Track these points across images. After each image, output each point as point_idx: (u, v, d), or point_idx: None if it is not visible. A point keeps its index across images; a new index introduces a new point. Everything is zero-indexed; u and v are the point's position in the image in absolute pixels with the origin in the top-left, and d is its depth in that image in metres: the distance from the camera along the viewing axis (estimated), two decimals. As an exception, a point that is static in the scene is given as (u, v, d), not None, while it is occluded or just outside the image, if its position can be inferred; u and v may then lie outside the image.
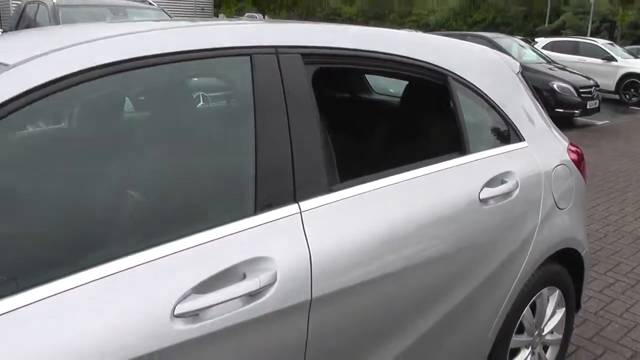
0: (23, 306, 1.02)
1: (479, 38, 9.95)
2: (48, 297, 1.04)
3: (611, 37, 24.12)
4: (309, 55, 1.49)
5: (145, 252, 1.16)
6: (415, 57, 1.80)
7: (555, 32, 29.11)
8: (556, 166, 2.20)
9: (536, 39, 15.32)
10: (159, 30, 1.35)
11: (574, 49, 14.22)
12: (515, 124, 2.12)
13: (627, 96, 13.76)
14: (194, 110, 1.54)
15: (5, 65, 1.16)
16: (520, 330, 2.18)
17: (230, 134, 1.39)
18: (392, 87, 3.16)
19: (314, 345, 1.37)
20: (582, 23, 29.53)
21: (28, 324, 1.01)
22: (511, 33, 21.19)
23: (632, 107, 13.18)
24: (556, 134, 2.37)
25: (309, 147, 1.41)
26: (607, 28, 27.99)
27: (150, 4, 7.35)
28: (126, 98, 1.44)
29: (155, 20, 1.53)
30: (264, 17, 42.99)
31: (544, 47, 13.76)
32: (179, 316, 1.14)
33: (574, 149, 2.40)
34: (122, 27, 1.39)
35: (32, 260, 1.10)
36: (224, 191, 1.36)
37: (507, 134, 2.09)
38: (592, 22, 27.05)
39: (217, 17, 40.93)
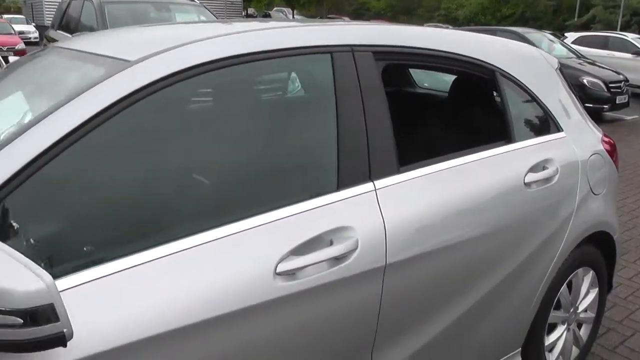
0: (162, 257, 1.25)
1: (509, 33, 10.03)
2: (177, 252, 1.28)
3: (641, 32, 23.79)
4: (379, 53, 1.71)
5: (252, 219, 1.38)
6: (468, 55, 2.00)
7: (585, 27, 28.76)
8: (591, 155, 2.39)
9: (566, 34, 15.27)
10: (263, 30, 1.59)
11: (604, 44, 14.14)
12: (555, 116, 2.31)
13: (657, 91, 13.66)
14: (288, 99, 1.77)
15: (127, 61, 1.39)
16: (558, 307, 2.37)
17: (317, 121, 1.62)
18: (426, 82, 3.37)
19: (387, 305, 1.59)
20: (612, 17, 29.12)
21: (169, 272, 1.25)
22: (540, 27, 21.05)
23: (663, 103, 13.10)
24: (591, 125, 2.55)
25: (381, 133, 1.63)
26: (637, 22, 27.58)
27: (193, 1, 7.60)
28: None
29: (244, 22, 1.74)
30: (292, 12, 43.20)
31: (574, 42, 13.72)
32: (279, 274, 1.37)
33: (607, 139, 2.58)
34: (219, 27, 1.62)
35: (165, 221, 1.34)
36: (313, 170, 1.59)
37: (547, 124, 2.28)
38: (622, 16, 26.67)
39: (247, 11, 41.24)
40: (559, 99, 2.37)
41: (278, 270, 1.37)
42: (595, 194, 2.36)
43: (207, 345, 1.26)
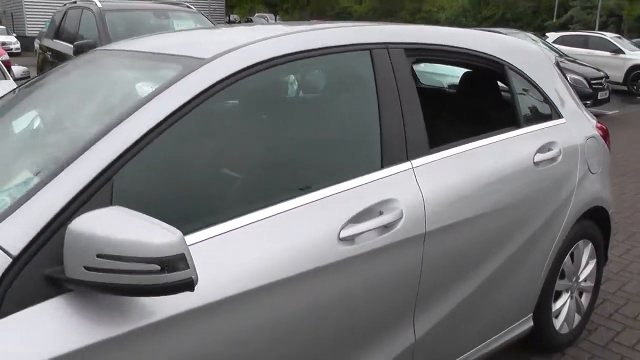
0: (254, 222, 1.48)
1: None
2: (265, 218, 1.50)
3: (618, 31, 24.45)
4: (410, 49, 1.96)
5: (320, 191, 1.62)
6: (481, 51, 2.27)
7: (563, 27, 29.42)
8: (588, 139, 2.66)
9: (547, 34, 15.71)
10: (315, 30, 1.84)
11: (584, 43, 14.61)
12: (556, 105, 2.58)
13: (635, 87, 14.16)
14: (337, 90, 2.01)
15: (203, 59, 1.61)
16: (562, 276, 2.63)
17: (364, 110, 1.87)
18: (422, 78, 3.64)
19: (426, 269, 1.84)
20: (590, 17, 29.86)
21: (262, 234, 1.47)
22: (521, 28, 21.52)
23: (641, 98, 13.59)
24: (586, 114, 2.82)
25: (414, 119, 1.88)
26: (613, 22, 28.32)
27: (188, 7, 7.78)
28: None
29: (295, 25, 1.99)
30: (275, 18, 43.42)
31: (555, 42, 14.14)
32: (342, 239, 1.60)
33: (599, 125, 2.86)
34: (274, 29, 1.86)
35: (254, 193, 1.58)
36: (362, 152, 1.84)
37: (549, 112, 2.55)
38: (600, 17, 27.37)
39: (229, 17, 41.37)
40: (557, 90, 2.64)
41: (341, 236, 1.60)
42: (592, 173, 2.64)
43: (289, 297, 1.49)
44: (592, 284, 2.88)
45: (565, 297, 2.71)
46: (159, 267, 1.13)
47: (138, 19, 7.05)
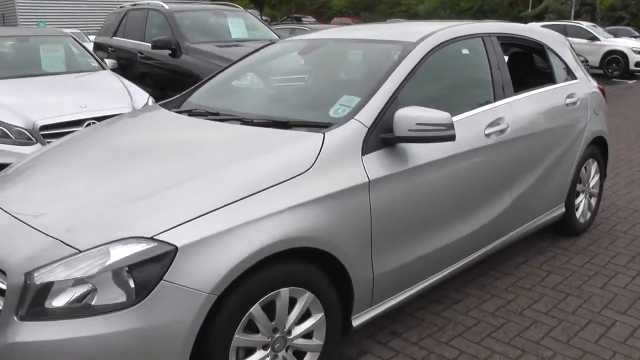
0: None
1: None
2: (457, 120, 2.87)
3: (592, 20, 26.29)
4: (499, 36, 3.37)
5: (477, 109, 3.01)
6: (530, 37, 3.69)
7: (539, 17, 31.27)
8: (592, 92, 4.10)
9: (528, 24, 17.29)
10: (458, 26, 3.18)
11: (562, 31, 16.13)
12: (573, 71, 4.01)
13: (610, 70, 15.88)
14: (476, 55, 3.32)
15: (412, 42, 2.93)
16: (580, 182, 4.06)
17: (485, 66, 3.23)
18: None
19: (516, 161, 3.21)
20: (564, 7, 31.82)
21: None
22: (498, 19, 23.21)
23: (615, 80, 15.27)
24: (589, 77, 4.26)
25: (504, 73, 3.28)
26: (586, 11, 30.27)
27: (234, 6, 9.05)
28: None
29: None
30: (260, 13, 44.46)
31: (537, 31, 15.70)
32: (487, 135, 2.99)
33: (598, 85, 4.31)
34: (437, 24, 3.21)
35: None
36: (484, 89, 3.19)
37: (569, 75, 3.98)
38: (574, 6, 29.21)
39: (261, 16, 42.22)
40: (573, 62, 4.08)
41: (486, 132, 2.99)
42: (596, 114, 4.08)
43: (463, 164, 2.85)
44: (597, 191, 4.33)
45: (581, 196, 4.14)
46: (444, 127, 2.43)
47: (201, 18, 8.29)
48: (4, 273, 1.96)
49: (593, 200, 4.31)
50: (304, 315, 2.28)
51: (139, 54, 8.29)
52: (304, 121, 2.58)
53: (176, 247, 1.87)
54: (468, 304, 3.19)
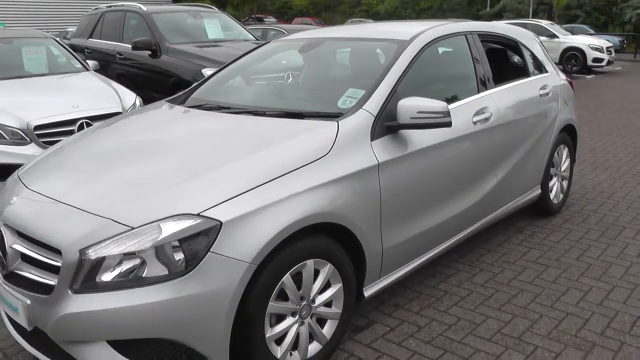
0: None
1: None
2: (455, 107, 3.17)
3: (549, 18, 27.28)
4: (480, 34, 3.69)
5: (463, 100, 3.31)
6: (506, 35, 4.03)
7: (497, 16, 32.21)
8: (562, 84, 4.48)
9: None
10: (442, 25, 3.48)
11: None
12: (544, 65, 4.38)
13: (569, 66, 16.60)
14: (458, 51, 3.62)
15: (405, 40, 3.22)
16: (553, 165, 4.43)
17: (468, 61, 3.54)
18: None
19: (500, 145, 3.54)
20: (521, 6, 32.89)
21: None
22: (457, 18, 23.92)
23: (574, 75, 15.97)
24: (558, 71, 4.64)
25: (485, 65, 3.60)
26: (543, 10, 31.35)
27: (210, 7, 9.22)
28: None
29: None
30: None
31: (499, 29, 16.31)
32: (475, 122, 3.29)
33: (567, 78, 4.70)
34: (425, 23, 3.51)
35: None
36: (469, 82, 3.49)
37: (540, 68, 4.34)
38: (531, 5, 30.21)
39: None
40: (543, 56, 4.45)
41: (473, 120, 3.30)
42: (566, 104, 4.46)
43: (455, 149, 3.15)
44: (568, 174, 4.72)
45: (555, 179, 4.52)
46: (442, 115, 2.73)
47: (178, 19, 8.44)
48: (58, 252, 2.15)
49: (565, 183, 4.69)
50: (325, 286, 2.54)
51: (117, 55, 8.39)
52: (316, 112, 2.84)
53: (220, 222, 2.11)
54: (460, 277, 3.50)
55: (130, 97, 5.97)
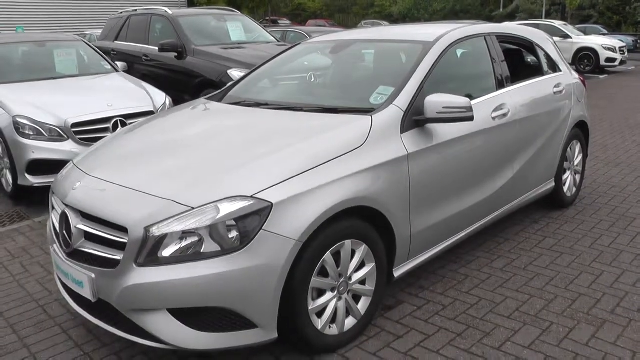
0: None
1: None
2: (478, 102, 3.43)
3: (562, 18, 27.39)
4: (498, 36, 3.94)
5: (486, 95, 3.57)
6: (522, 36, 4.28)
7: (510, 17, 32.33)
8: (575, 82, 4.72)
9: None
10: (465, 27, 3.74)
11: (536, 30, 17.05)
12: (557, 64, 4.62)
13: (582, 66, 16.75)
14: (478, 51, 3.87)
15: (429, 42, 3.47)
16: (566, 160, 4.67)
17: (486, 61, 3.80)
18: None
19: (517, 140, 3.79)
20: (534, 7, 32.99)
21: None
22: (470, 19, 24.09)
23: (587, 75, 16.11)
24: (571, 70, 4.88)
25: (502, 65, 3.85)
26: (556, 10, 31.45)
27: (233, 11, 9.52)
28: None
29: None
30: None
31: (512, 30, 16.49)
32: (493, 118, 3.54)
33: (579, 77, 4.93)
34: (446, 25, 3.77)
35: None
36: (489, 79, 3.74)
37: (555, 67, 4.58)
38: (544, 6, 30.31)
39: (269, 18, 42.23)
40: (557, 56, 4.69)
41: (492, 116, 3.55)
42: (579, 101, 4.70)
43: (476, 142, 3.40)
44: (581, 169, 4.95)
45: (568, 173, 4.75)
46: (465, 110, 2.99)
47: (203, 22, 8.74)
48: (124, 230, 2.43)
49: (577, 177, 4.92)
50: (360, 266, 2.81)
51: (143, 57, 8.71)
52: (351, 107, 3.11)
53: (272, 204, 2.38)
54: (479, 263, 3.75)
55: (160, 97, 6.26)
